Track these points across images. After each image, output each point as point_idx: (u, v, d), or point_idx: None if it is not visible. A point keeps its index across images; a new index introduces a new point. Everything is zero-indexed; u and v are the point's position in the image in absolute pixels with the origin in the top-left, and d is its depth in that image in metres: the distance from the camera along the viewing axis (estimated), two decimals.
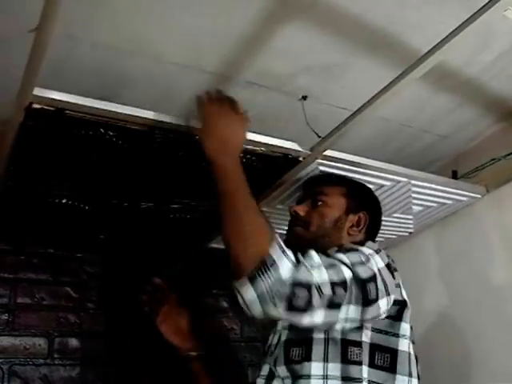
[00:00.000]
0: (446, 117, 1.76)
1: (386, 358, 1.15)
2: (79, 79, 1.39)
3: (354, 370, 1.12)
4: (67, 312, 1.96)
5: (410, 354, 1.18)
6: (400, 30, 1.32)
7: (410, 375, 1.17)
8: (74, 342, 1.93)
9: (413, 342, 1.22)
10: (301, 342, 1.17)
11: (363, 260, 1.14)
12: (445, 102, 1.67)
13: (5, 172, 1.44)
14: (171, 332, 1.59)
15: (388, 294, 1.14)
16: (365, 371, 1.12)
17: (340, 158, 1.48)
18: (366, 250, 1.20)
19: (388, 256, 1.24)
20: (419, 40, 1.30)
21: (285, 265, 1.01)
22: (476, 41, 1.38)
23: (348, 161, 1.49)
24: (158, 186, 1.60)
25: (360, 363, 1.13)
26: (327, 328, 1.12)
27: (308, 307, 1.00)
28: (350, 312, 1.07)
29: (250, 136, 1.37)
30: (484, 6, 1.01)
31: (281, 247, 1.04)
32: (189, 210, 1.77)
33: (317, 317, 1.03)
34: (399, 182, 1.61)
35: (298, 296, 0.99)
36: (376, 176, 1.56)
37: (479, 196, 1.80)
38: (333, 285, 1.04)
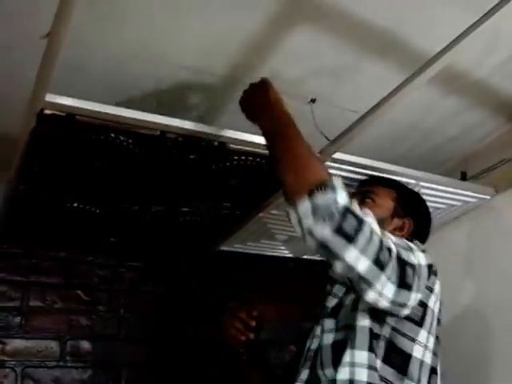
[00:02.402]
0: (454, 118, 1.76)
1: (398, 359, 1.15)
2: (90, 85, 1.40)
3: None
4: (79, 315, 1.97)
5: (422, 361, 1.16)
6: (409, 32, 1.33)
7: (419, 382, 1.15)
8: (85, 345, 1.95)
9: (434, 354, 1.19)
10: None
11: (407, 247, 1.15)
12: (453, 103, 1.67)
13: (17, 176, 1.45)
14: None
15: (417, 291, 1.12)
16: (378, 364, 1.13)
17: (349, 161, 1.48)
18: (412, 244, 1.20)
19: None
20: (428, 43, 1.30)
21: (344, 194, 1.02)
22: (485, 43, 1.38)
23: (357, 163, 1.49)
24: (168, 189, 1.61)
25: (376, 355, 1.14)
26: (360, 286, 1.06)
27: (354, 238, 0.99)
28: (384, 288, 1.05)
29: (259, 139, 1.38)
30: (494, 7, 1.01)
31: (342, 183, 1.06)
32: (199, 213, 1.77)
33: (361, 262, 1.01)
34: (408, 184, 1.60)
35: (349, 222, 0.99)
36: None
37: (488, 197, 1.79)
38: (381, 241, 1.04)
